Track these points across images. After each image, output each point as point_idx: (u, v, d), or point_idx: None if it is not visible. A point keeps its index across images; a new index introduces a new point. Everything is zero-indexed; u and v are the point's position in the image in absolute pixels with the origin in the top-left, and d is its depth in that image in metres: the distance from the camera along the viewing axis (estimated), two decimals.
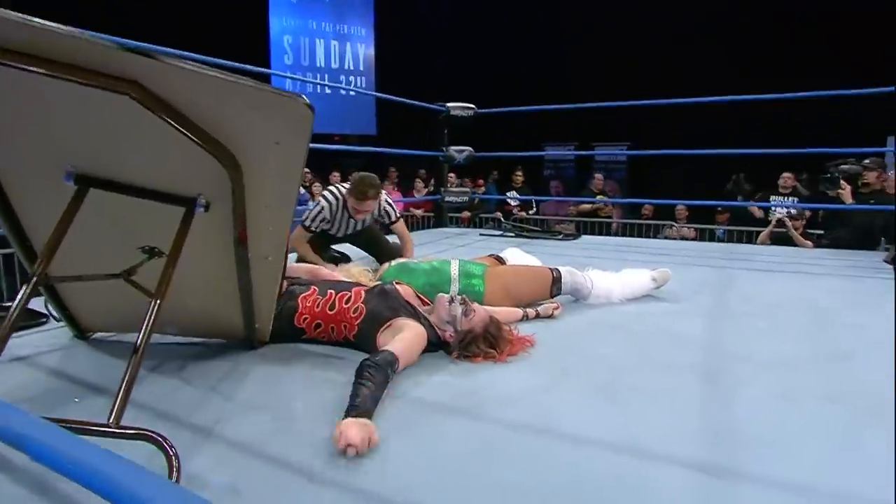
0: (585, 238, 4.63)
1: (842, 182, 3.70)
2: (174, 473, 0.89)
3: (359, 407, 1.10)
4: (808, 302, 2.27)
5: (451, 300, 1.57)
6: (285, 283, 1.66)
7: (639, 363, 1.56)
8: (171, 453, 0.90)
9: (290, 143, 1.09)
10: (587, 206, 6.34)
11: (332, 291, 1.63)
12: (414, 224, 6.89)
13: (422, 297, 1.74)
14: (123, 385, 0.94)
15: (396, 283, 1.72)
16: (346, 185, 2.80)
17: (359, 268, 2.18)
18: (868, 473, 1.00)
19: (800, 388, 1.38)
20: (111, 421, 0.92)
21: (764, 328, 1.92)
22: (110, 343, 1.67)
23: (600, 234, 5.85)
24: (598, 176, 6.78)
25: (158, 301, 1.03)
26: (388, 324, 1.51)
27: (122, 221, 1.23)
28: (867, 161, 3.80)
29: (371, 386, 1.17)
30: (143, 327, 0.99)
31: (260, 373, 1.45)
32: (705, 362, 1.57)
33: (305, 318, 1.61)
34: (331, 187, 2.82)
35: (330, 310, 1.59)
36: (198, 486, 0.92)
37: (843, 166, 3.75)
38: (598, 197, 6.34)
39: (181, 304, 1.37)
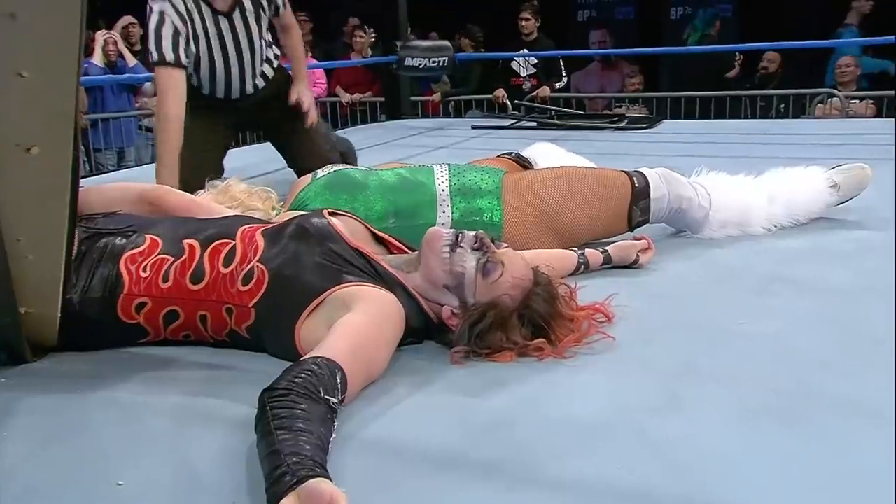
0: (670, 125, 4.52)
1: None
2: None
3: (296, 468, 1.00)
4: None
5: (457, 240, 1.52)
6: (82, 229, 1.61)
7: (848, 352, 1.49)
8: None
9: None
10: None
11: (195, 241, 1.58)
12: (349, 118, 6.77)
13: (387, 237, 1.73)
14: None
15: (329, 212, 1.67)
16: None
17: (244, 185, 2.09)
18: None
19: None
20: None
21: None
22: None
23: (690, 118, 5.80)
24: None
25: None
26: (319, 298, 1.45)
27: None
28: None
29: (302, 428, 1.08)
30: None
31: (36, 416, 1.35)
32: None
33: (142, 305, 1.54)
34: None
35: (194, 281, 1.53)
36: None
37: None
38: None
39: None
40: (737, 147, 3.52)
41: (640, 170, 2.15)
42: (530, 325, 1.49)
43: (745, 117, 5.73)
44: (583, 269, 1.92)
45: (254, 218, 1.75)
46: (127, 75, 5.46)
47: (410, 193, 2.02)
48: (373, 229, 1.72)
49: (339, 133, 4.35)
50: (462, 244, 1.50)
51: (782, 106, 5.87)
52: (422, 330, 1.52)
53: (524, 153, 2.53)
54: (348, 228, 1.61)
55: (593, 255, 1.95)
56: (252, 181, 2.63)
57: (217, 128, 2.94)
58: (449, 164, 2.14)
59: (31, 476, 1.16)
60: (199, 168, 2.56)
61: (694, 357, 1.47)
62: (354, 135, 4.44)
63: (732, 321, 1.63)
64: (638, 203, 2.10)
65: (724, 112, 5.94)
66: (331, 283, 1.44)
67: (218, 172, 2.76)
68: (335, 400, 1.17)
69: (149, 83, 5.42)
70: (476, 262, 1.48)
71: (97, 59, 5.75)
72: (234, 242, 1.55)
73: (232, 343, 1.53)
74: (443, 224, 1.97)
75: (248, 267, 1.50)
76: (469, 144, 3.97)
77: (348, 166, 2.31)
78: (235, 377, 1.43)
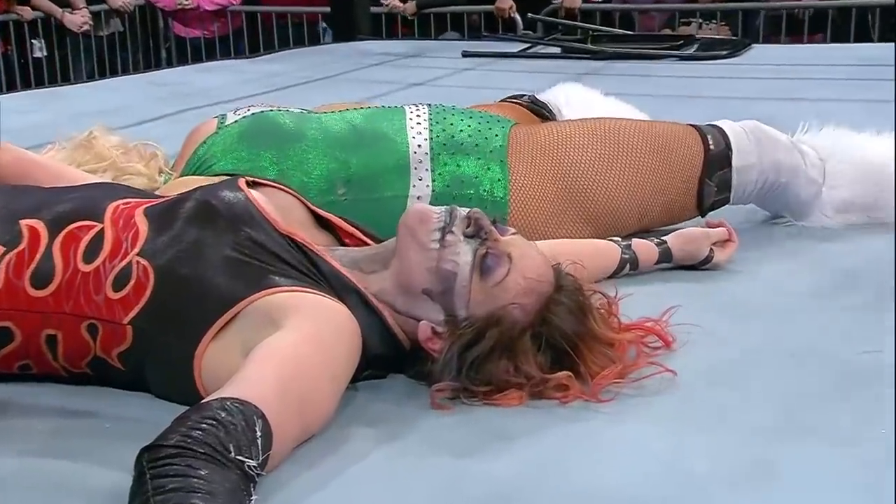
0: (763, 52, 4.68)
1: None
2: None
3: None
4: None
5: (448, 222, 1.55)
6: None
7: None
8: None
9: None
10: None
11: (39, 223, 1.61)
12: (276, 37, 6.80)
13: (335, 219, 1.75)
14: None
15: (248, 181, 1.70)
16: None
17: (116, 138, 2.12)
18: None
19: None
20: None
21: None
22: None
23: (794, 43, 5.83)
24: None
25: None
26: (231, 311, 1.49)
27: None
28: None
29: None
30: None
31: None
32: None
33: None
34: None
35: (37, 284, 1.55)
36: None
37: None
38: None
39: None
40: (865, 87, 3.55)
41: (718, 123, 2.18)
42: (549, 350, 1.51)
43: (875, 41, 5.73)
44: (629, 268, 1.95)
45: (131, 188, 1.76)
46: None
47: (370, 150, 2.04)
48: (314, 207, 1.73)
49: (263, 58, 4.32)
50: (452, 228, 1.51)
51: None
52: (387, 358, 1.53)
53: (541, 97, 2.57)
54: (276, 206, 1.62)
55: (645, 248, 1.99)
56: (128, 131, 2.61)
57: None
58: (429, 105, 2.17)
59: None
60: None
61: (795, 401, 1.48)
62: (284, 63, 4.41)
63: (853, 350, 1.65)
64: (713, 174, 2.14)
65: (848, 34, 5.96)
66: (250, 287, 1.46)
67: None
68: (253, 462, 1.18)
69: None
70: (472, 254, 1.49)
71: None
72: (100, 225, 1.56)
73: (97, 378, 1.55)
74: (419, 198, 1.99)
75: (124, 263, 1.52)
76: (459, 80, 3.99)
77: (272, 106, 2.31)
78: (100, 429, 1.43)
